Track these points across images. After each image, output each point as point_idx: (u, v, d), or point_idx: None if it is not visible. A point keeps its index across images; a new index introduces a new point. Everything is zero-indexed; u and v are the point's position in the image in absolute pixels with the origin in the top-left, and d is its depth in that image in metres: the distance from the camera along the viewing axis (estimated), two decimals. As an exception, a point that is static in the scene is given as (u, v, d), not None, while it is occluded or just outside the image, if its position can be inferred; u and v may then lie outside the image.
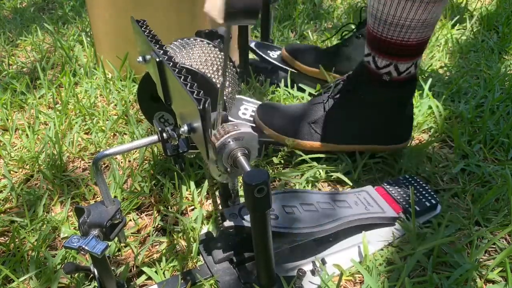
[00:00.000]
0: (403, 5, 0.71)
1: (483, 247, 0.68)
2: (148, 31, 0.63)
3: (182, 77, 0.52)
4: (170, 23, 1.06)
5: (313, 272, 0.66)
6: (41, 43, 1.47)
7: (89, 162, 0.93)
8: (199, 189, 0.82)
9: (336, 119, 0.86)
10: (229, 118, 0.87)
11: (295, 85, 1.13)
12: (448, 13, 1.56)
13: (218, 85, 0.75)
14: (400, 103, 0.84)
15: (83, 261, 0.69)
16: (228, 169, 0.53)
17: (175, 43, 0.79)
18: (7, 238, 0.75)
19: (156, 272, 0.67)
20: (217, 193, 0.68)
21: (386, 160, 0.89)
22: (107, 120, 1.05)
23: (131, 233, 0.75)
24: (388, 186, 0.78)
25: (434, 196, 0.76)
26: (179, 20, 1.06)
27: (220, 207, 0.70)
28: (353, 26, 1.13)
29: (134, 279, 0.68)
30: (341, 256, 0.68)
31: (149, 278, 0.67)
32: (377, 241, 0.71)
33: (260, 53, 1.18)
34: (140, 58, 0.62)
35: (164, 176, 0.85)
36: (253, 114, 0.91)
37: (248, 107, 0.92)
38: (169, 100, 0.61)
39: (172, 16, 1.06)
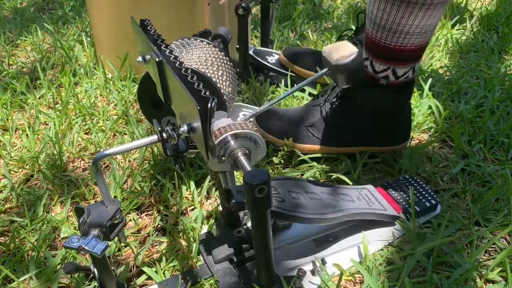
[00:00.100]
0: (402, 11, 0.71)
1: (483, 247, 0.68)
2: (153, 30, 0.63)
3: (184, 76, 0.52)
4: (170, 23, 1.06)
5: (313, 272, 0.66)
6: (41, 43, 1.47)
7: (89, 162, 0.93)
8: (199, 189, 0.82)
9: (333, 122, 0.86)
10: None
11: (295, 85, 1.13)
12: (448, 13, 1.56)
13: (219, 85, 0.75)
14: (397, 106, 0.84)
15: (83, 261, 0.69)
16: (223, 157, 0.53)
17: (175, 43, 0.79)
18: (7, 238, 0.75)
19: (156, 272, 0.67)
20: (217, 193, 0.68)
21: (386, 160, 0.89)
22: (107, 120, 1.05)
23: (131, 233, 0.75)
24: (388, 186, 0.78)
25: (434, 196, 0.76)
26: (179, 20, 1.06)
27: (220, 207, 0.70)
28: (350, 33, 1.13)
29: (134, 279, 0.68)
30: (341, 256, 0.68)
31: (149, 278, 0.67)
32: (377, 241, 0.71)
33: (259, 59, 1.18)
34: (140, 58, 0.62)
35: (164, 176, 0.85)
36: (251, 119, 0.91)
37: (246, 114, 0.92)
38: (169, 100, 0.61)
39: (172, 16, 1.06)
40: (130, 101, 1.12)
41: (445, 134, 0.97)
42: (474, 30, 1.46)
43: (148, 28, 0.63)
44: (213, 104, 0.47)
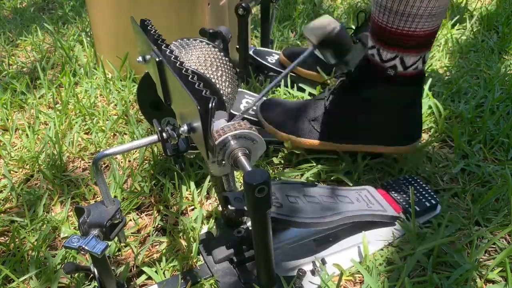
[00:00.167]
0: None
1: (483, 247, 0.68)
2: (154, 30, 0.63)
3: (184, 76, 0.52)
4: (170, 23, 1.06)
5: (313, 272, 0.65)
6: (41, 43, 1.47)
7: (89, 162, 0.93)
8: (199, 189, 0.82)
9: (336, 116, 0.82)
10: (232, 111, 0.87)
11: (295, 85, 1.13)
12: (448, 13, 1.56)
13: (218, 85, 0.75)
14: (406, 103, 0.80)
15: (83, 261, 0.69)
16: (223, 161, 0.53)
17: (174, 43, 0.79)
18: (7, 238, 0.75)
19: (156, 272, 0.67)
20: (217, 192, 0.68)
21: (386, 160, 0.89)
22: (107, 120, 1.05)
23: (131, 233, 0.75)
24: (388, 186, 0.78)
25: (434, 196, 0.76)
26: (179, 20, 1.06)
27: (220, 207, 0.70)
28: (350, 32, 1.13)
29: (134, 279, 0.68)
30: (341, 256, 0.68)
31: (149, 278, 0.67)
32: (377, 241, 0.71)
33: (259, 59, 1.18)
34: (140, 58, 0.62)
35: (164, 176, 0.85)
36: (254, 108, 0.91)
37: (249, 101, 0.92)
38: (169, 100, 0.61)
39: (172, 16, 1.06)
40: (130, 101, 1.12)
41: (445, 134, 0.97)
42: (474, 30, 1.46)
43: (148, 28, 0.63)
44: (213, 104, 0.47)
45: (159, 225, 0.77)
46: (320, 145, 0.85)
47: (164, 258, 0.69)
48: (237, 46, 1.11)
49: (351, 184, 0.83)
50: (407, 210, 0.73)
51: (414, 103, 0.81)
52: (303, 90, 1.12)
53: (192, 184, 0.82)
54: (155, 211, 0.79)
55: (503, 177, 0.83)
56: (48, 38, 1.53)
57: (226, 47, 0.81)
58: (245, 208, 0.62)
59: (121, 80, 1.20)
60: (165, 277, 0.67)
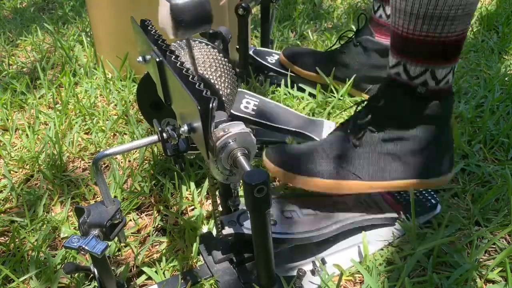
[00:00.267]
0: None
1: (483, 247, 0.68)
2: (154, 30, 0.63)
3: (184, 77, 0.52)
4: (170, 23, 1.06)
5: (313, 272, 0.65)
6: (41, 43, 1.47)
7: (89, 162, 0.93)
8: (199, 189, 0.82)
9: (367, 150, 0.69)
10: (232, 111, 0.87)
11: (295, 85, 1.13)
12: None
13: (217, 86, 0.75)
14: (440, 124, 0.68)
15: (83, 261, 0.69)
16: (229, 169, 0.53)
17: (174, 44, 0.79)
18: (7, 238, 0.75)
19: (156, 272, 0.67)
20: (217, 193, 0.68)
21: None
22: (107, 120, 1.05)
23: (131, 233, 0.75)
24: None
25: (434, 196, 0.76)
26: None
27: (220, 207, 0.70)
28: (351, 34, 1.13)
29: (134, 279, 0.68)
30: (341, 256, 0.68)
31: (149, 278, 0.67)
32: (377, 241, 0.71)
33: (259, 59, 1.18)
34: (140, 58, 0.62)
35: (164, 176, 0.85)
36: (254, 108, 0.91)
37: (250, 101, 0.92)
38: (169, 100, 0.61)
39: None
40: (130, 101, 1.12)
41: (445, 134, 0.97)
42: (474, 30, 1.46)
43: (148, 28, 0.63)
44: (214, 104, 0.47)
45: (159, 225, 0.77)
46: (366, 187, 0.69)
47: (164, 258, 0.69)
48: (237, 46, 1.11)
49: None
50: (407, 210, 0.73)
51: (447, 124, 0.70)
52: (303, 90, 1.12)
53: (192, 184, 0.82)
54: (155, 211, 0.79)
55: (503, 177, 0.83)
56: (48, 38, 1.53)
57: (226, 47, 0.80)
58: (242, 231, 0.64)
59: (121, 80, 1.20)
60: (165, 277, 0.67)
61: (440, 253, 0.68)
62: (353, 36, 1.10)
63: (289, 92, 1.11)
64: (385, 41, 1.05)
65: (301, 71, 1.13)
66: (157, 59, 0.55)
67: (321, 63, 1.12)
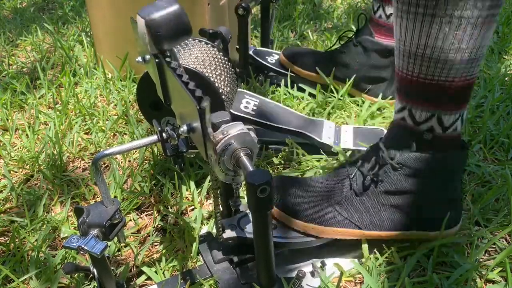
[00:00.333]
0: (445, 31, 0.55)
1: (483, 247, 0.68)
2: None
3: (182, 77, 0.52)
4: (170, 23, 1.06)
5: (312, 274, 0.65)
6: (41, 43, 1.47)
7: (89, 162, 0.93)
8: (199, 189, 0.82)
9: (369, 199, 0.67)
10: (232, 111, 0.87)
11: (295, 85, 1.13)
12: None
13: (217, 84, 0.75)
14: (448, 174, 0.65)
15: (83, 261, 0.69)
16: (233, 169, 0.53)
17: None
18: (7, 238, 0.75)
19: (156, 272, 0.67)
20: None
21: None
22: (107, 120, 1.05)
23: (131, 233, 0.75)
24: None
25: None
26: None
27: (220, 207, 0.70)
28: (351, 34, 1.13)
29: (134, 279, 0.68)
30: (341, 259, 0.68)
31: (149, 278, 0.67)
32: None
33: (259, 59, 1.18)
34: (140, 58, 0.62)
35: (164, 176, 0.85)
36: (254, 108, 0.91)
37: (250, 101, 0.92)
38: (169, 100, 0.61)
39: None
40: (130, 101, 1.12)
41: (445, 134, 0.97)
42: (474, 30, 1.46)
43: None
44: (205, 104, 0.47)
45: (159, 225, 0.77)
46: (350, 234, 0.67)
47: (164, 258, 0.69)
48: (237, 46, 1.11)
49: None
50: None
51: (457, 178, 0.67)
52: (303, 90, 1.12)
53: (192, 184, 0.82)
54: (155, 211, 0.79)
55: (503, 177, 0.83)
56: (48, 38, 1.53)
57: (226, 47, 0.81)
58: (243, 234, 0.64)
59: (121, 80, 1.20)
60: (164, 277, 0.67)
61: (440, 253, 0.68)
62: (353, 36, 1.10)
63: (289, 92, 1.11)
64: (385, 41, 1.05)
65: (301, 71, 1.13)
66: (157, 60, 0.55)
67: (321, 63, 1.12)
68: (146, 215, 0.80)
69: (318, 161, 0.89)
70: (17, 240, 0.73)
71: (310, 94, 1.11)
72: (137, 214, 0.79)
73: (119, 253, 0.72)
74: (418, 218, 0.66)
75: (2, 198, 0.83)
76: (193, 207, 0.80)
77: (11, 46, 1.49)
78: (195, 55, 0.75)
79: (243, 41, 1.07)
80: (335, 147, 0.90)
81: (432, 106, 0.61)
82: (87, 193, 0.82)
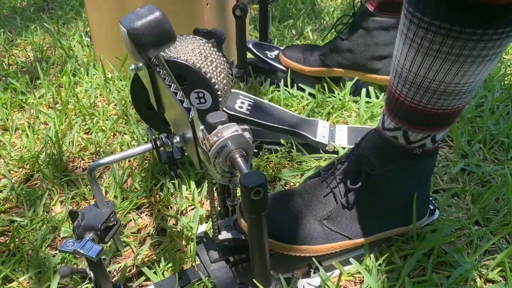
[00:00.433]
0: (455, 67, 0.52)
1: (483, 247, 0.68)
2: None
3: (171, 87, 0.53)
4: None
5: (308, 274, 0.66)
6: (41, 43, 1.47)
7: (89, 162, 0.93)
8: (199, 189, 0.82)
9: (358, 209, 0.67)
10: (225, 110, 0.87)
11: (295, 84, 1.13)
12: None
13: (213, 80, 0.75)
14: (426, 175, 0.68)
15: (82, 263, 0.69)
16: (229, 171, 0.53)
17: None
18: (7, 238, 0.75)
19: (155, 272, 0.67)
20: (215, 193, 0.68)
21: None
22: (107, 120, 1.05)
23: (131, 232, 0.75)
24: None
25: (433, 201, 0.75)
26: (177, 21, 1.05)
27: (218, 208, 0.70)
28: (345, 21, 1.12)
29: (134, 279, 0.68)
30: (338, 258, 0.68)
31: (149, 278, 0.67)
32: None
33: (258, 53, 1.18)
34: (133, 66, 0.62)
35: (164, 176, 0.85)
36: (249, 108, 0.91)
37: (244, 101, 0.92)
38: (162, 108, 0.61)
39: (170, 17, 1.03)
40: (130, 101, 1.12)
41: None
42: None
43: None
44: (192, 113, 0.48)
45: (159, 225, 0.77)
46: (341, 246, 0.67)
47: (163, 259, 0.69)
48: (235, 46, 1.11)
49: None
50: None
51: (431, 173, 0.70)
52: (303, 90, 1.12)
53: (193, 183, 0.82)
54: (155, 211, 0.79)
55: (503, 176, 0.83)
56: (48, 38, 1.53)
57: (220, 46, 0.81)
58: (238, 236, 0.64)
59: (121, 80, 1.20)
60: (164, 277, 0.67)
61: (440, 253, 0.68)
62: (350, 21, 1.09)
63: (288, 92, 1.11)
64: (385, 16, 1.04)
65: (304, 69, 1.13)
66: (149, 69, 0.55)
67: (324, 55, 1.11)
68: (146, 215, 0.80)
69: (318, 160, 0.89)
70: (17, 240, 0.73)
71: (310, 94, 1.11)
72: (137, 214, 0.79)
73: (119, 253, 0.72)
74: (399, 217, 0.68)
75: (2, 198, 0.83)
76: (193, 206, 0.80)
77: (11, 46, 1.49)
78: (191, 48, 0.76)
79: (240, 41, 1.07)
80: (332, 143, 0.90)
81: (431, 130, 0.61)
82: (87, 193, 0.83)
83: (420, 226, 0.70)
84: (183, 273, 0.66)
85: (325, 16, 1.67)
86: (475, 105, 1.04)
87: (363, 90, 1.07)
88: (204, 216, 0.77)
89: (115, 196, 0.82)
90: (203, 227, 0.75)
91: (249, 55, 1.16)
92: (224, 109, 0.87)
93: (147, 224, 0.77)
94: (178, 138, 0.53)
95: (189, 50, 0.75)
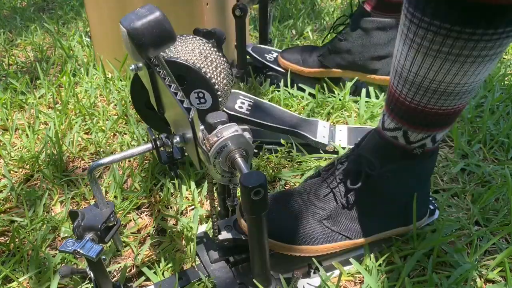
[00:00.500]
0: (456, 68, 0.52)
1: (483, 247, 0.68)
2: None
3: (171, 87, 0.53)
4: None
5: (308, 274, 0.66)
6: (41, 43, 1.47)
7: (89, 162, 0.93)
8: (199, 189, 0.82)
9: (358, 209, 0.67)
10: (225, 110, 0.87)
11: (295, 85, 1.13)
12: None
13: (213, 80, 0.75)
14: (427, 176, 0.68)
15: (82, 263, 0.69)
16: (229, 171, 0.53)
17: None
18: (7, 238, 0.75)
19: (155, 273, 0.67)
20: (215, 193, 0.68)
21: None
22: (107, 120, 1.05)
23: (131, 233, 0.75)
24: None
25: (433, 201, 0.75)
26: (177, 21, 1.05)
27: (218, 208, 0.70)
28: (344, 22, 1.12)
29: (134, 279, 0.68)
30: (338, 259, 0.68)
31: (149, 278, 0.67)
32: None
33: (257, 57, 1.18)
34: (133, 66, 0.62)
35: (164, 176, 0.85)
36: (249, 108, 0.91)
37: (244, 101, 0.92)
38: (162, 109, 0.61)
39: (170, 17, 1.04)
40: (130, 101, 1.12)
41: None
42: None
43: None
44: (192, 113, 0.48)
45: (159, 225, 0.77)
46: (341, 246, 0.67)
47: (163, 259, 0.69)
48: (235, 43, 1.11)
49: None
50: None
51: (431, 173, 0.70)
52: (303, 90, 1.12)
53: (193, 183, 0.82)
54: (155, 211, 0.79)
55: (503, 176, 0.83)
56: (48, 38, 1.53)
57: (220, 46, 0.81)
58: (238, 236, 0.64)
59: (121, 80, 1.20)
60: (164, 277, 0.67)
61: (440, 253, 0.68)
62: (348, 21, 1.09)
63: (288, 92, 1.11)
64: (384, 16, 1.04)
65: (303, 70, 1.13)
66: (149, 69, 0.55)
67: (323, 56, 1.11)
68: (146, 215, 0.80)
69: (318, 160, 0.89)
70: (17, 240, 0.73)
71: (310, 94, 1.11)
72: (137, 214, 0.79)
73: (119, 253, 0.72)
74: (399, 217, 0.68)
75: (2, 198, 0.83)
76: (193, 206, 0.80)
77: (11, 46, 1.49)
78: (191, 48, 0.76)
79: (240, 41, 1.07)
80: (332, 143, 0.90)
81: (431, 130, 0.60)
82: (87, 193, 0.83)
83: (420, 226, 0.70)
84: (183, 273, 0.66)
85: (325, 16, 1.67)
86: (475, 105, 1.04)
87: (363, 90, 1.07)
88: (204, 216, 0.77)
89: (115, 196, 0.82)
90: (203, 227, 0.75)
91: (249, 56, 1.16)
92: (224, 109, 0.87)
93: (147, 224, 0.77)
94: (178, 138, 0.53)
95: (189, 50, 0.75)
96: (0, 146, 0.97)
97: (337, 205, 0.66)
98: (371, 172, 0.64)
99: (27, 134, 1.00)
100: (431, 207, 0.73)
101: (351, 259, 0.67)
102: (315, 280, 0.65)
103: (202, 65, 0.74)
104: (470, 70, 0.52)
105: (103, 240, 0.53)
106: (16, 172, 0.91)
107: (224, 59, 0.80)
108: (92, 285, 0.63)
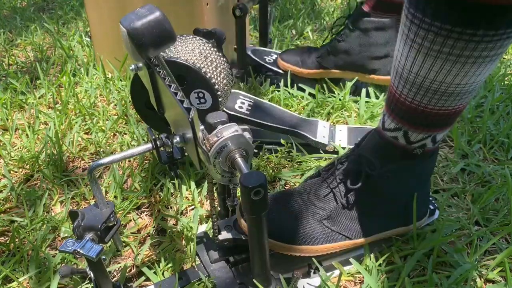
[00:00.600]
0: (456, 68, 0.52)
1: (483, 247, 0.68)
2: None
3: (171, 87, 0.53)
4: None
5: (308, 274, 0.66)
6: (41, 43, 1.47)
7: (89, 162, 0.93)
8: (199, 189, 0.82)
9: (358, 209, 0.67)
10: (225, 110, 0.87)
11: (295, 85, 1.13)
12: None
13: (213, 80, 0.75)
14: (427, 176, 0.69)
15: (82, 263, 0.69)
16: (229, 171, 0.53)
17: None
18: (7, 238, 0.75)
19: (155, 273, 0.67)
20: (215, 194, 0.68)
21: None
22: (107, 120, 1.05)
23: (131, 233, 0.75)
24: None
25: (433, 202, 0.75)
26: (177, 21, 1.05)
27: (218, 208, 0.70)
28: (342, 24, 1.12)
29: (134, 279, 0.68)
30: (338, 259, 0.68)
31: (149, 278, 0.67)
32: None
33: (257, 59, 1.18)
34: (133, 66, 0.62)
35: (164, 176, 0.85)
36: (249, 108, 0.91)
37: (244, 101, 0.92)
38: (162, 109, 0.61)
39: (170, 17, 1.03)
40: (130, 101, 1.12)
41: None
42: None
43: None
44: (192, 113, 0.48)
45: (159, 225, 0.77)
46: (341, 246, 0.66)
47: (163, 259, 0.69)
48: (235, 46, 1.11)
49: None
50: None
51: (431, 173, 0.70)
52: (303, 90, 1.12)
53: (193, 183, 0.82)
54: (155, 211, 0.79)
55: (503, 176, 0.83)
56: (48, 38, 1.53)
57: (220, 46, 0.81)
58: (238, 236, 0.64)
59: (121, 80, 1.20)
60: (164, 277, 0.67)
61: (440, 253, 0.68)
62: (346, 22, 1.09)
63: (288, 92, 1.11)
64: (382, 16, 1.04)
65: (303, 71, 1.13)
66: (149, 69, 0.55)
67: (321, 57, 1.11)
68: (146, 215, 0.80)
69: (318, 160, 0.89)
70: (17, 240, 0.73)
71: (310, 94, 1.11)
72: (137, 214, 0.79)
73: (119, 253, 0.72)
74: (399, 217, 0.68)
75: (2, 198, 0.83)
76: (193, 206, 0.80)
77: (11, 46, 1.49)
78: (191, 48, 0.76)
79: (240, 41, 1.07)
80: (332, 143, 0.90)
81: (431, 130, 0.60)
82: (87, 193, 0.83)
83: (420, 226, 0.70)
84: (183, 273, 0.66)
85: (325, 16, 1.67)
86: (475, 105, 1.04)
87: (363, 90, 1.07)
88: (204, 216, 0.77)
89: (115, 196, 0.82)
90: (203, 227, 0.75)
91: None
92: (224, 109, 0.87)
93: (147, 224, 0.77)
94: (178, 138, 0.53)
95: (189, 50, 0.75)
96: (0, 146, 0.97)
97: (337, 205, 0.66)
98: (371, 172, 0.64)
99: (27, 134, 1.00)
100: (431, 207, 0.73)
101: (351, 259, 0.67)
102: (315, 280, 0.65)
103: (202, 65, 0.74)
104: (470, 71, 0.52)
105: (103, 240, 0.53)
106: (16, 172, 0.91)
107: (224, 59, 0.80)
108: (92, 285, 0.63)
